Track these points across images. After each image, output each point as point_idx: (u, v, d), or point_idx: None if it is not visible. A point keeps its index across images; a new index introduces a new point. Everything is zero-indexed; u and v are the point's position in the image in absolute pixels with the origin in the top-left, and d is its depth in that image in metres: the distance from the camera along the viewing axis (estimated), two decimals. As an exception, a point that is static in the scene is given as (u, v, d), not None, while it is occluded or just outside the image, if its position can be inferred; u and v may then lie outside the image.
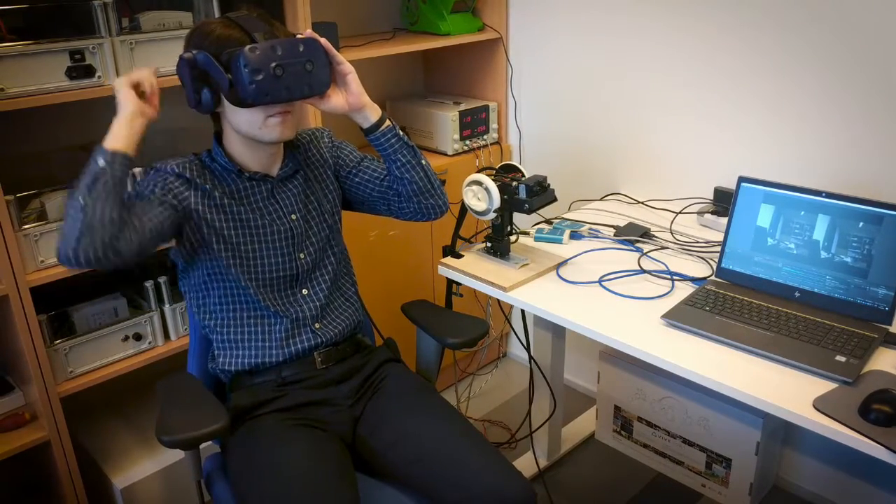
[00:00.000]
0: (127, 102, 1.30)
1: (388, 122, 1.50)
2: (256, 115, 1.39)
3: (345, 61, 1.44)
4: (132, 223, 1.28)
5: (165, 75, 1.77)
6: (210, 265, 1.46)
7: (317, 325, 1.54)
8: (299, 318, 1.52)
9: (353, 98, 1.46)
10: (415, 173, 1.53)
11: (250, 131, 1.41)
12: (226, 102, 1.38)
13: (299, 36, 1.39)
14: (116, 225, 1.24)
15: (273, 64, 1.31)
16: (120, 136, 1.28)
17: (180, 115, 2.14)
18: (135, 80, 1.33)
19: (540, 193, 1.71)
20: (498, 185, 1.70)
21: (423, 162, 1.55)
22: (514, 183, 1.70)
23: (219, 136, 1.49)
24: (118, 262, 1.26)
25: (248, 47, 1.29)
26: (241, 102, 1.35)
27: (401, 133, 1.51)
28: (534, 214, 1.81)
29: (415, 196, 1.55)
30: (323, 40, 1.40)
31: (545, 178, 1.72)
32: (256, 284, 1.48)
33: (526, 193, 1.68)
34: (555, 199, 1.74)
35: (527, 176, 1.77)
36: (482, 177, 1.70)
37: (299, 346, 1.51)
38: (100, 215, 1.23)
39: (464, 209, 1.79)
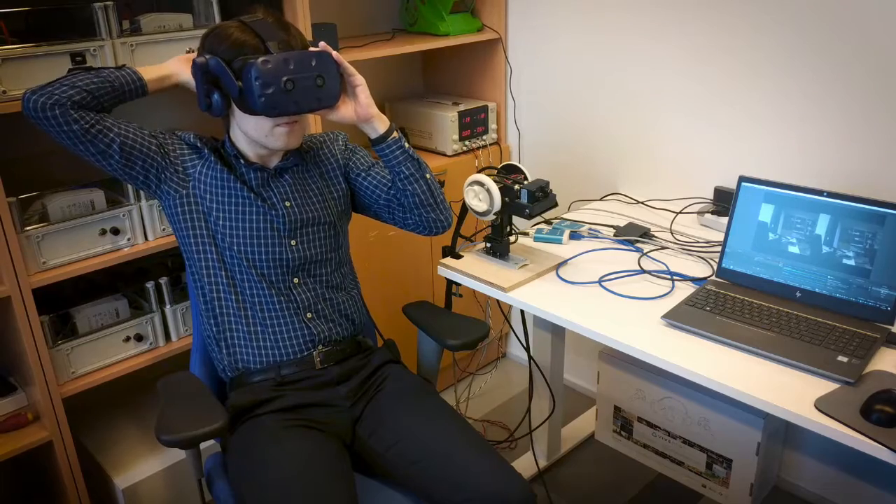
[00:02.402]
0: (174, 58, 1.51)
1: (395, 134, 1.52)
2: (264, 122, 1.42)
3: (356, 73, 1.46)
4: (103, 118, 1.39)
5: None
6: (210, 242, 1.50)
7: (308, 315, 1.55)
8: (291, 308, 1.53)
9: (361, 109, 1.48)
10: (417, 186, 1.54)
11: (257, 137, 1.45)
12: (235, 106, 1.40)
13: (312, 49, 1.39)
14: (85, 95, 1.35)
15: (284, 78, 1.32)
16: (148, 68, 1.46)
17: (179, 116, 2.15)
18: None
19: (541, 199, 1.71)
20: (500, 188, 1.70)
21: (428, 176, 1.56)
22: (517, 186, 1.70)
23: (227, 129, 1.53)
24: (59, 124, 1.34)
25: (260, 59, 1.31)
26: (249, 111, 1.37)
27: (406, 146, 1.53)
28: (534, 215, 1.81)
29: (416, 208, 1.56)
30: (335, 53, 1.41)
31: (547, 184, 1.72)
32: (248, 263, 1.50)
33: (527, 198, 1.68)
34: (555, 205, 1.74)
35: (529, 177, 1.77)
36: (484, 178, 1.71)
37: (292, 333, 1.52)
38: (80, 80, 1.36)
39: (464, 210, 1.79)
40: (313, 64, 1.37)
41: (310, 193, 1.57)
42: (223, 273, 1.51)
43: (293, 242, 1.53)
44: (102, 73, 1.39)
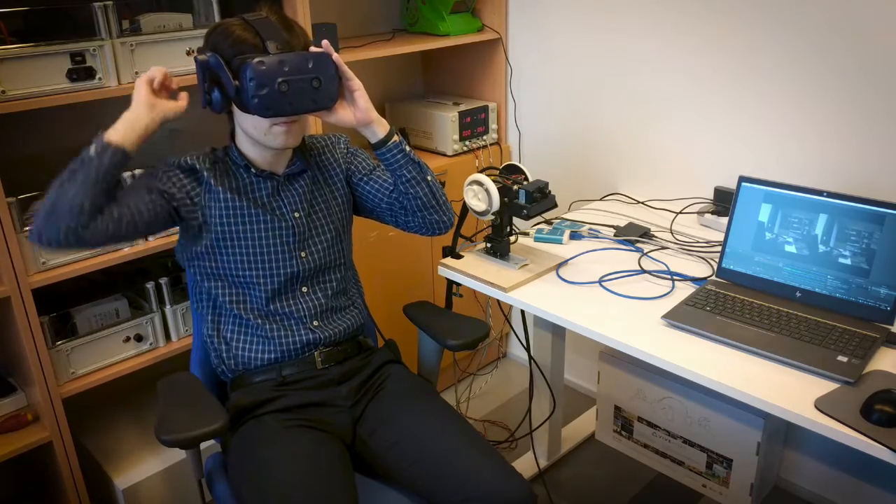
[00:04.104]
0: (136, 95, 1.34)
1: (395, 138, 1.51)
2: (262, 121, 1.41)
3: (354, 77, 1.45)
4: (111, 213, 1.31)
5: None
6: (214, 258, 1.48)
7: (315, 323, 1.55)
8: (296, 315, 1.53)
9: (360, 114, 1.47)
10: (419, 189, 1.54)
11: (256, 136, 1.44)
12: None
13: (313, 49, 1.39)
14: (85, 214, 1.27)
15: (279, 79, 1.32)
16: (120, 128, 1.32)
17: (179, 116, 2.15)
18: (149, 77, 1.35)
19: (540, 200, 1.71)
20: (499, 188, 1.70)
21: (430, 178, 1.56)
22: (515, 187, 1.70)
23: (233, 132, 1.51)
24: (85, 247, 1.32)
25: (255, 60, 1.30)
26: (245, 110, 1.37)
27: (407, 149, 1.52)
28: (534, 215, 1.81)
29: (419, 210, 1.56)
30: (335, 55, 1.40)
31: (546, 185, 1.72)
32: (257, 279, 1.49)
33: (525, 199, 1.68)
34: (554, 206, 1.75)
35: (530, 177, 1.77)
36: (483, 177, 1.71)
37: (296, 337, 1.52)
38: (69, 201, 1.26)
39: (465, 209, 1.79)
40: (310, 66, 1.36)
41: (316, 203, 1.56)
42: (228, 288, 1.50)
43: (303, 254, 1.53)
44: (90, 173, 1.27)
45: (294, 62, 1.34)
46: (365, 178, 1.62)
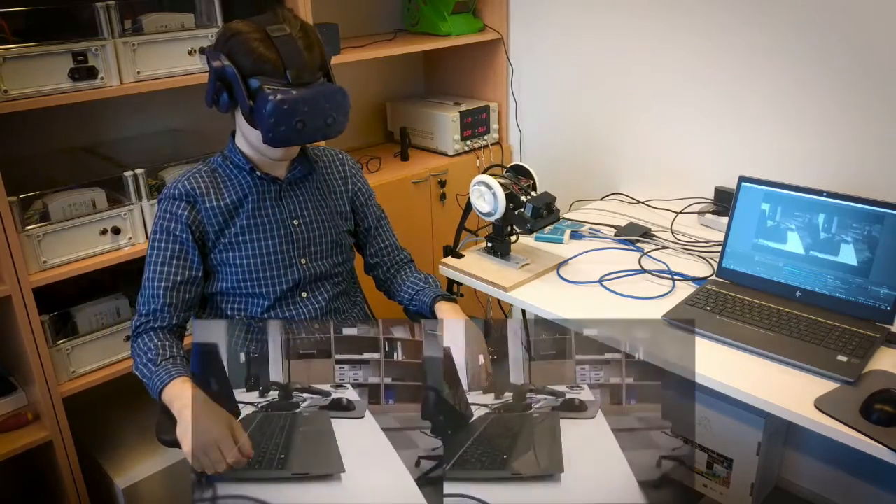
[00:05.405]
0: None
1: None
2: None
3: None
4: (182, 320, 1.46)
5: (166, 77, 1.78)
6: (215, 275, 1.49)
7: (316, 326, 1.54)
8: (297, 319, 1.52)
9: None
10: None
11: (257, 145, 1.42)
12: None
13: (330, 85, 1.38)
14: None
15: (297, 119, 1.32)
16: (175, 404, 1.31)
17: (180, 116, 2.15)
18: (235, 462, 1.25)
19: (545, 216, 1.70)
20: (507, 193, 1.69)
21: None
22: (524, 198, 1.70)
23: (233, 133, 1.50)
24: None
25: (278, 98, 1.29)
26: (254, 127, 1.36)
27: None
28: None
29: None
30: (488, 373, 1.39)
31: (553, 200, 1.71)
32: (258, 287, 1.49)
33: (531, 213, 1.68)
34: (558, 220, 1.74)
35: (537, 181, 1.77)
36: (493, 181, 1.69)
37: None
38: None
39: (468, 206, 1.79)
40: (327, 106, 1.35)
41: (319, 210, 1.55)
42: (229, 298, 1.50)
43: (303, 261, 1.53)
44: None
45: (313, 100, 1.33)
46: (369, 220, 1.66)
